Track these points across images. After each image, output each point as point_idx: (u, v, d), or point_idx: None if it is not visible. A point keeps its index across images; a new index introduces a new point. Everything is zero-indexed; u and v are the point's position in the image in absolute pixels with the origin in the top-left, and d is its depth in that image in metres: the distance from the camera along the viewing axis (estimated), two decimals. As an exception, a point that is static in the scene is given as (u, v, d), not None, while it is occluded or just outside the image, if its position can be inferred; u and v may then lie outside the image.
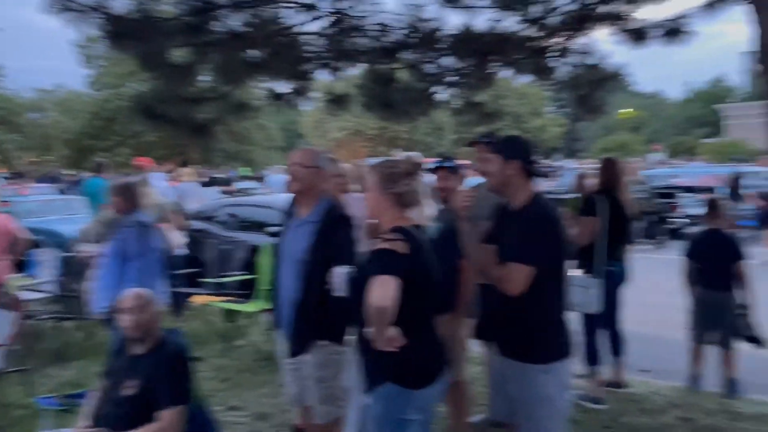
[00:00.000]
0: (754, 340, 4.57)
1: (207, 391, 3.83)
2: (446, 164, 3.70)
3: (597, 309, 4.41)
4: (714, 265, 4.64)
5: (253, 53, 4.27)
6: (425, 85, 5.06)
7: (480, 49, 4.60)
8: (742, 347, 4.64)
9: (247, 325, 6.01)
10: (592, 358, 4.55)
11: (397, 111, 5.10)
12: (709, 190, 12.45)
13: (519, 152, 2.67)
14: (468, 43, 4.53)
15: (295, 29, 4.31)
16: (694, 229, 5.11)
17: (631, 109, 49.57)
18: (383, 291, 2.20)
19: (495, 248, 2.67)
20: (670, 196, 13.77)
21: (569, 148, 47.90)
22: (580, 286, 4.43)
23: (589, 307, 4.40)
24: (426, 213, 3.58)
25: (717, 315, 4.60)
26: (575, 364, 4.48)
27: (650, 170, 18.55)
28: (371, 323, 2.23)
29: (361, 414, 2.48)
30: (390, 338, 2.24)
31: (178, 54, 4.43)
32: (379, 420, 2.37)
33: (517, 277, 2.51)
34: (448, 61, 4.97)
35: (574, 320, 4.21)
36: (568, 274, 4.44)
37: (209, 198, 9.94)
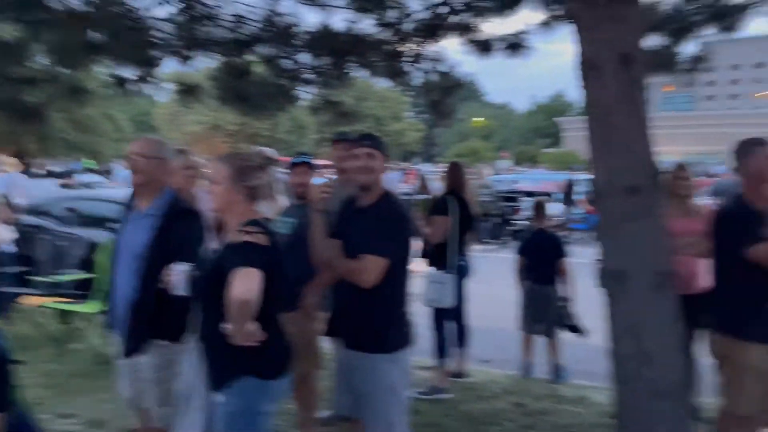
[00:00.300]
0: (575, 329, 5.04)
1: (34, 399, 3.52)
2: (303, 160, 3.72)
3: (451, 304, 4.65)
4: (540, 262, 5.07)
5: (94, 35, 3.98)
6: (282, 80, 5.01)
7: (337, 49, 4.65)
8: (566, 337, 5.11)
9: (83, 328, 5.58)
10: (441, 350, 4.77)
11: (253, 105, 5.00)
12: (547, 195, 13.54)
13: (387, 150, 2.81)
14: (324, 42, 4.56)
15: (142, 12, 4.08)
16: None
17: (483, 119, 52.56)
18: (247, 284, 2.17)
19: (340, 243, 2.74)
20: (513, 200, 14.82)
21: (426, 152, 49.85)
22: (436, 282, 4.65)
23: (443, 302, 4.63)
24: (277, 208, 3.57)
25: (543, 307, 5.04)
26: (424, 356, 4.70)
27: (498, 176, 19.84)
28: (233, 317, 2.18)
29: (209, 413, 2.42)
30: (249, 332, 2.20)
31: (8, 31, 4.04)
32: (236, 415, 2.34)
33: (373, 268, 2.61)
34: (306, 57, 4.96)
35: (423, 314, 4.42)
36: (424, 271, 4.68)
37: (40, 191, 9.11)
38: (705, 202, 4.67)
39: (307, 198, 3.55)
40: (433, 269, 4.73)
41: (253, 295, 2.17)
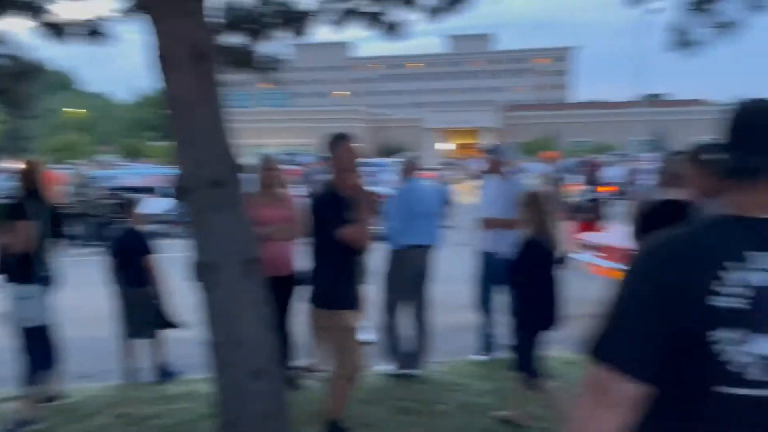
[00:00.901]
0: (173, 325, 4.94)
1: None
2: None
3: (43, 320, 4.14)
4: (131, 262, 4.82)
5: None
6: None
7: None
8: (168, 334, 4.95)
9: None
10: (32, 375, 4.16)
11: None
12: (152, 190, 13.14)
13: None
14: None
15: None
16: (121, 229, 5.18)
17: (80, 109, 48.12)
18: None
19: None
20: (117, 197, 13.89)
21: (12, 147, 43.11)
22: (22, 298, 4.10)
23: (34, 320, 4.10)
24: None
25: (139, 309, 4.82)
26: (4, 386, 4.05)
27: (99, 171, 18.34)
28: None
29: None
30: None
31: None
32: None
33: None
34: None
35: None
36: (5, 286, 4.04)
37: None
38: (295, 190, 5.12)
39: None
40: (15, 284, 4.13)
41: None
